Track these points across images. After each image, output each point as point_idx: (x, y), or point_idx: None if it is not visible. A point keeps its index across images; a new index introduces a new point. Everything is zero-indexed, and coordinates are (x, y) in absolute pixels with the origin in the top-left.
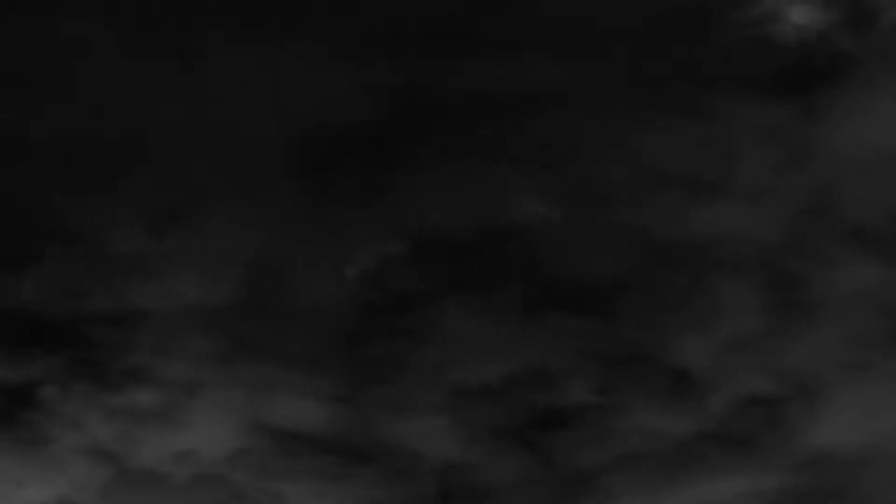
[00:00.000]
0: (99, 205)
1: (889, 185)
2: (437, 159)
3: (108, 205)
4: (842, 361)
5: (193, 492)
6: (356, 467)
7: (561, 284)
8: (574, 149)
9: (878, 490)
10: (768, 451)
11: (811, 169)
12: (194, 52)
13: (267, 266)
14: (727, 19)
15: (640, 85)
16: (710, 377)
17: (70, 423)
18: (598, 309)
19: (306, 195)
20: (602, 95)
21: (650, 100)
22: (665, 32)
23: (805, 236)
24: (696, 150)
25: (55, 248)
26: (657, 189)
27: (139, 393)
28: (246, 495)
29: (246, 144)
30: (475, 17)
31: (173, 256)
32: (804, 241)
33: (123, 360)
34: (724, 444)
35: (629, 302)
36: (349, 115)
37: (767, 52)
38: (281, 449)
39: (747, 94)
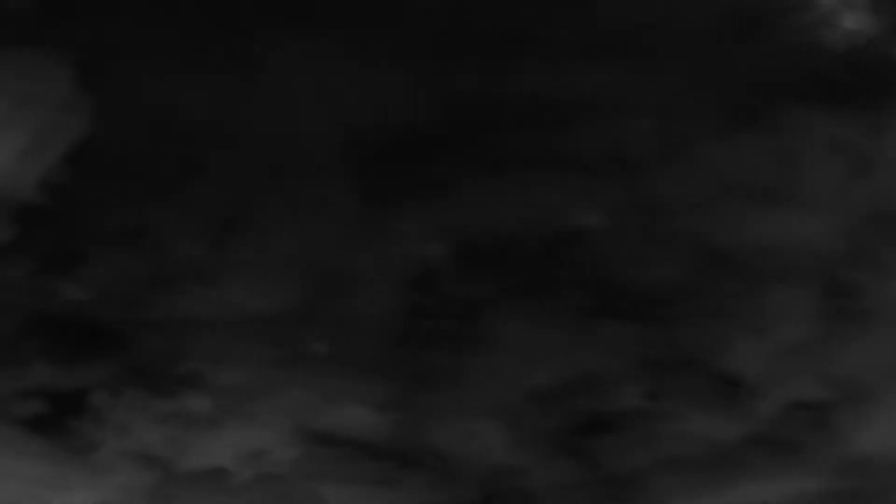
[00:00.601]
0: (157, 210)
1: None
2: (492, 164)
3: (166, 210)
4: (893, 367)
5: (242, 496)
6: (405, 472)
7: (616, 291)
8: (631, 155)
9: None
10: (813, 455)
11: (872, 179)
12: (253, 58)
13: (322, 274)
14: (778, 24)
15: (699, 91)
16: (761, 382)
17: (119, 429)
18: (652, 315)
19: (362, 202)
20: (660, 102)
21: (709, 107)
22: (719, 38)
23: (863, 246)
24: (755, 159)
25: (113, 253)
26: (716, 196)
27: (191, 399)
28: (294, 500)
29: (303, 151)
30: (533, 21)
31: (231, 263)
32: (862, 251)
33: (178, 366)
34: (770, 448)
35: (684, 308)
36: (405, 120)
37: (822, 59)
38: (330, 454)
39: (807, 103)
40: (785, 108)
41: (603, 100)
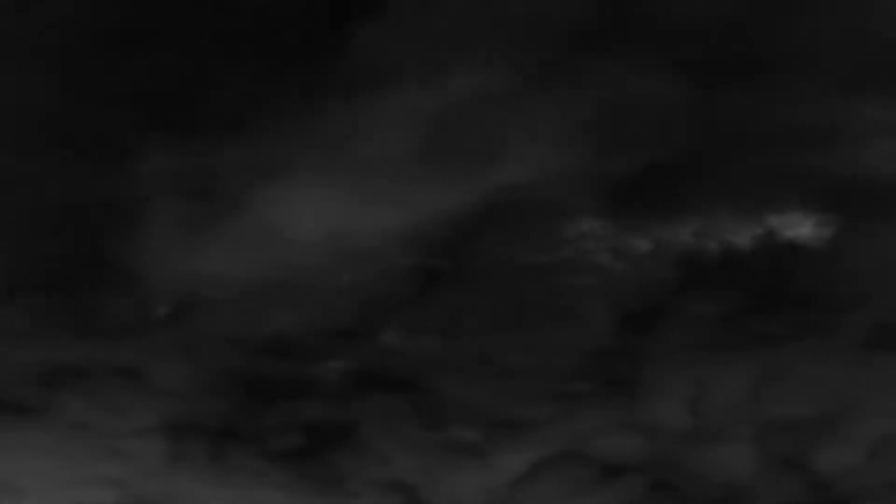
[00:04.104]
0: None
1: None
2: (747, 187)
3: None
4: None
5: None
6: (654, 493)
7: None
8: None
9: None
10: None
11: None
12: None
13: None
14: None
15: None
16: None
17: (378, 460)
18: None
19: (609, 221)
20: None
21: None
22: None
23: None
24: None
25: None
26: None
27: (462, 430)
28: None
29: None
30: (798, 47)
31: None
32: None
33: (456, 399)
34: None
35: None
36: (663, 143)
37: None
38: (584, 477)
39: None
40: None
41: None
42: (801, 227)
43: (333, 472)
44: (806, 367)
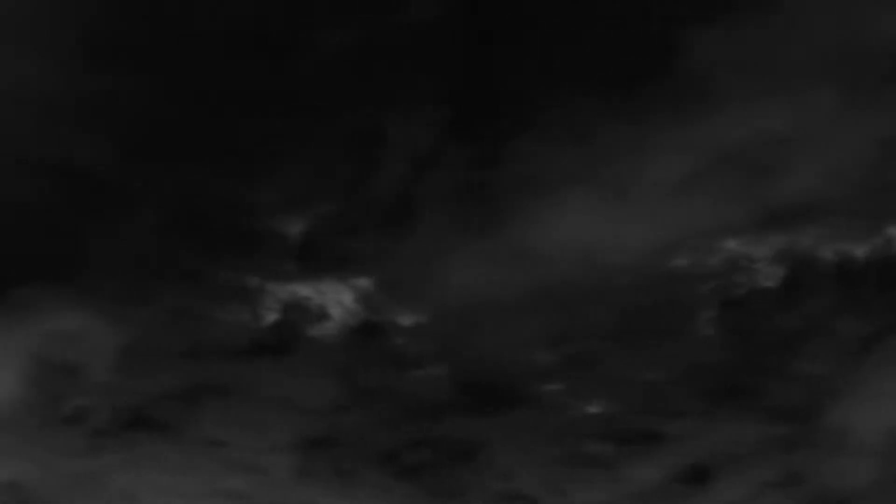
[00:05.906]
0: None
1: None
2: None
3: None
4: None
5: None
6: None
7: None
8: None
9: None
10: None
11: None
12: None
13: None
14: None
15: None
16: None
17: (498, 474)
18: None
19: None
20: None
21: None
22: None
23: None
24: None
25: None
26: None
27: (579, 444)
28: None
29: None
30: None
31: None
32: None
33: (575, 413)
34: None
35: None
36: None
37: None
38: (710, 492)
39: None
40: None
41: None
42: None
43: (456, 485)
44: None
